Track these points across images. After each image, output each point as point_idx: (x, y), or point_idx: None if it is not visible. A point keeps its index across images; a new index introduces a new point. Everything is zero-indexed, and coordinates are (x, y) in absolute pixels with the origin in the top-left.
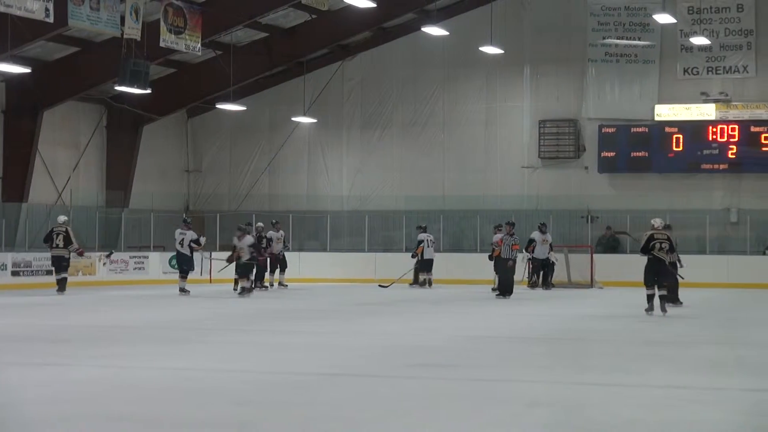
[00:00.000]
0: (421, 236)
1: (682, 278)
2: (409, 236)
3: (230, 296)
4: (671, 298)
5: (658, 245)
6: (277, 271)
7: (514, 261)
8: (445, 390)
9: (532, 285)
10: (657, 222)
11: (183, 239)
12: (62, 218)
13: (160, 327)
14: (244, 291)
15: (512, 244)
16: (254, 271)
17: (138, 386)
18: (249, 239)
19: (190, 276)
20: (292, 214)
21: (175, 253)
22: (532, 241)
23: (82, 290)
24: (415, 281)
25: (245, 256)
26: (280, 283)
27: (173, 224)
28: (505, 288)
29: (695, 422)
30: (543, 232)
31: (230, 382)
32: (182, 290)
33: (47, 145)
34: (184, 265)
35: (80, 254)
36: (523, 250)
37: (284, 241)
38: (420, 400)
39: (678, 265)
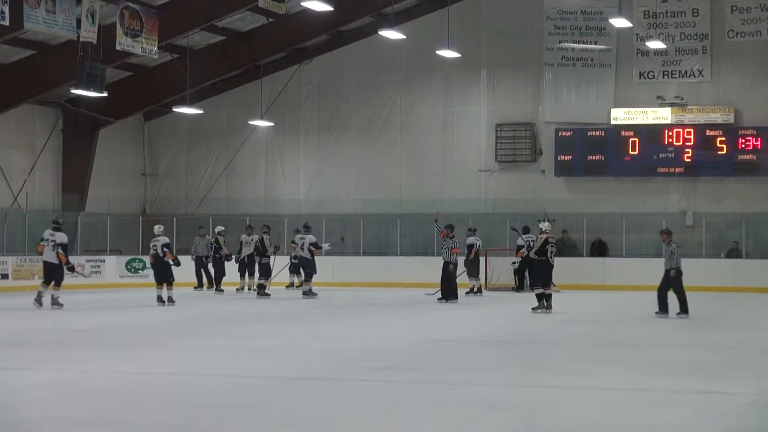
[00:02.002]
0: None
1: (554, 286)
2: (368, 240)
3: (189, 300)
4: (684, 308)
5: (550, 249)
6: (246, 274)
7: (455, 264)
8: (406, 393)
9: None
10: (545, 226)
11: (303, 243)
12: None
13: (119, 331)
14: None
15: (451, 247)
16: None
17: (98, 390)
18: None
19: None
20: (250, 217)
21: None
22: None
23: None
24: (292, 284)
25: None
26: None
27: (129, 228)
28: (446, 292)
29: (651, 424)
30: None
31: (190, 385)
32: (306, 293)
33: (2, 148)
34: (306, 268)
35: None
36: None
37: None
38: (380, 404)
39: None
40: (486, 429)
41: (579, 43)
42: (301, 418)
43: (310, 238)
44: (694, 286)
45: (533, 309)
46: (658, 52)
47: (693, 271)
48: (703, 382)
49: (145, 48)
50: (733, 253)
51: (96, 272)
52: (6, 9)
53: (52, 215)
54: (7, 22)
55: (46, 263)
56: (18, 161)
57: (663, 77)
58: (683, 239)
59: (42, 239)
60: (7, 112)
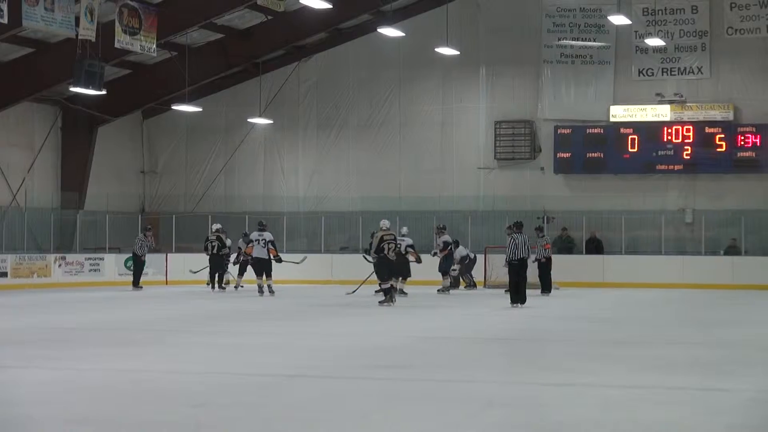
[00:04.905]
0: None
1: (555, 284)
2: (368, 237)
3: (188, 297)
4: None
5: (386, 246)
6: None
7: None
8: (404, 391)
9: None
10: (385, 224)
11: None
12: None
13: (117, 329)
14: None
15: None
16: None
17: (95, 388)
18: None
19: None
20: (248, 215)
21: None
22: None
23: (36, 292)
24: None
25: None
26: (268, 287)
27: (129, 226)
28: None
29: (651, 422)
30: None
31: (188, 383)
32: (441, 290)
33: (1, 146)
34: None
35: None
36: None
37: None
38: (379, 401)
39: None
40: (485, 426)
41: (578, 40)
42: (300, 416)
43: (446, 237)
44: (694, 284)
45: (380, 302)
46: (657, 50)
47: (692, 268)
48: (704, 379)
49: (144, 46)
50: (732, 250)
51: (95, 270)
52: (5, 7)
53: (52, 213)
54: (5, 20)
55: (257, 259)
56: (17, 159)
57: (662, 74)
58: (682, 237)
59: (250, 241)
60: (6, 110)
